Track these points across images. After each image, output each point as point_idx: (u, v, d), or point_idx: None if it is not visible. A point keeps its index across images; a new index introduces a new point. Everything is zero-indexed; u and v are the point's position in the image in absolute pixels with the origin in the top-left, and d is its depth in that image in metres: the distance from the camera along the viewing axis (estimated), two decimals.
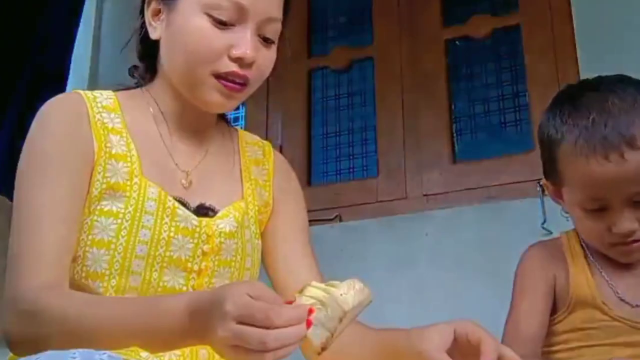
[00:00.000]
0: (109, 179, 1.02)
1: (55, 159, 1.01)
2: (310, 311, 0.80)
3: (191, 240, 1.03)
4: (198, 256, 1.04)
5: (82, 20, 2.75)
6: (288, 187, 1.24)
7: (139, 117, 1.11)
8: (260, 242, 1.16)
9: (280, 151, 3.08)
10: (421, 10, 2.95)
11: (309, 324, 0.79)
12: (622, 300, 1.14)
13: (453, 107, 2.85)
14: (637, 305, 1.14)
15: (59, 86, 2.60)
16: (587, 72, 2.48)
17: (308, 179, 2.98)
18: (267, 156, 1.24)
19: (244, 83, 1.04)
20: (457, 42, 2.94)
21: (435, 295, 2.52)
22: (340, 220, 2.77)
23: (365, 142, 2.97)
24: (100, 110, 1.07)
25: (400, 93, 2.89)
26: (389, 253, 2.62)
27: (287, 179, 1.25)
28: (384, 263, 2.61)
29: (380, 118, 2.92)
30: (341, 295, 0.85)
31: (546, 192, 2.40)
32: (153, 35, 1.09)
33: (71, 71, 2.70)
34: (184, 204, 1.06)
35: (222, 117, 1.22)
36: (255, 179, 1.18)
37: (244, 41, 1.02)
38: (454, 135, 2.81)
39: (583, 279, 1.18)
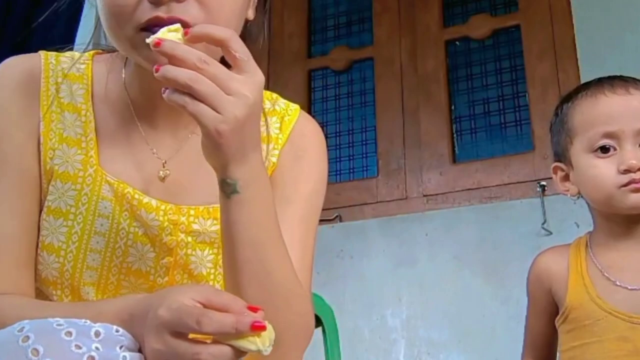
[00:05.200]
0: (57, 168, 0.87)
1: (1, 140, 0.87)
2: (255, 309, 0.67)
3: (152, 249, 0.88)
4: (161, 268, 0.89)
5: (82, 20, 2.75)
6: (296, 162, 0.96)
7: (113, 89, 0.92)
8: None
9: None
10: (421, 10, 2.96)
11: (257, 328, 0.66)
12: (618, 285, 1.16)
13: (453, 107, 2.85)
14: (635, 289, 1.15)
15: None
16: (587, 72, 2.48)
17: None
18: (284, 129, 0.98)
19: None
20: (457, 42, 2.94)
21: (435, 295, 2.52)
22: (340, 220, 2.77)
23: (365, 143, 2.97)
24: (59, 80, 0.91)
25: (400, 93, 2.89)
26: (389, 253, 2.63)
27: (297, 153, 0.97)
28: (384, 263, 2.61)
29: (380, 118, 2.92)
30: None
31: (546, 193, 2.42)
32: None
33: None
34: (152, 207, 0.89)
35: None
36: None
37: None
38: (454, 135, 2.81)
39: (580, 281, 1.20)
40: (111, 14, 0.81)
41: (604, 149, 1.16)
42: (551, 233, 2.36)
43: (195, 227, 0.90)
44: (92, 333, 0.64)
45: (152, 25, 0.77)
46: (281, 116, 1.00)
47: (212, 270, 0.92)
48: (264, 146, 0.95)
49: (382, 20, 3.04)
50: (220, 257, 0.90)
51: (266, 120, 0.99)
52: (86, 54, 0.96)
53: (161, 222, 0.88)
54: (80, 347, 0.62)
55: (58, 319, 0.65)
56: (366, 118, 2.99)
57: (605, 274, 1.18)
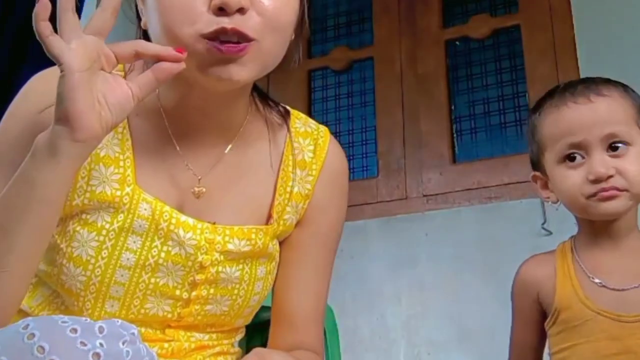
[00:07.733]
0: (93, 188, 0.87)
1: (11, 155, 0.86)
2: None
3: (182, 268, 0.89)
4: (189, 284, 0.90)
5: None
6: (330, 196, 1.02)
7: (146, 102, 0.89)
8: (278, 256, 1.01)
9: None
10: (421, 10, 2.96)
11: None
12: (605, 287, 1.16)
13: (453, 107, 2.85)
14: (622, 289, 1.16)
15: None
16: (587, 72, 2.47)
17: None
18: (318, 154, 1.01)
19: (241, 41, 0.81)
20: (457, 42, 2.94)
21: (435, 295, 2.52)
22: None
23: (365, 142, 2.97)
24: None
25: (400, 93, 2.89)
26: (389, 253, 2.63)
27: (331, 186, 1.02)
28: (384, 263, 2.61)
29: (380, 118, 2.92)
30: None
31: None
32: (143, 22, 0.90)
33: None
34: (189, 225, 0.89)
35: (266, 103, 1.02)
36: (290, 191, 0.98)
37: None
38: (454, 135, 2.82)
39: (568, 282, 1.21)
40: (172, 19, 0.82)
41: (572, 158, 1.17)
42: (551, 233, 2.35)
43: (230, 247, 0.92)
44: (96, 329, 0.64)
45: (218, 35, 0.80)
46: (314, 139, 1.02)
47: (237, 285, 0.94)
48: (297, 172, 0.99)
49: (382, 20, 3.04)
50: (244, 272, 0.93)
51: (298, 143, 1.01)
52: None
53: (198, 241, 0.90)
54: (85, 344, 0.61)
55: (62, 316, 0.65)
56: (366, 118, 2.99)
57: (590, 275, 1.18)
